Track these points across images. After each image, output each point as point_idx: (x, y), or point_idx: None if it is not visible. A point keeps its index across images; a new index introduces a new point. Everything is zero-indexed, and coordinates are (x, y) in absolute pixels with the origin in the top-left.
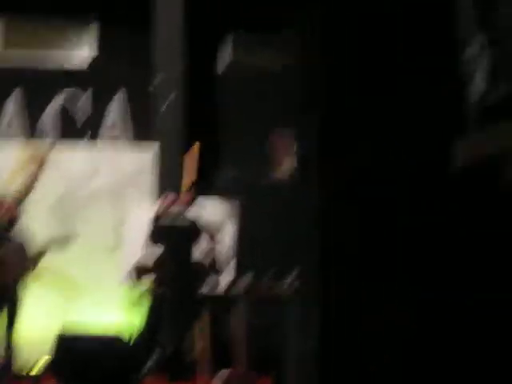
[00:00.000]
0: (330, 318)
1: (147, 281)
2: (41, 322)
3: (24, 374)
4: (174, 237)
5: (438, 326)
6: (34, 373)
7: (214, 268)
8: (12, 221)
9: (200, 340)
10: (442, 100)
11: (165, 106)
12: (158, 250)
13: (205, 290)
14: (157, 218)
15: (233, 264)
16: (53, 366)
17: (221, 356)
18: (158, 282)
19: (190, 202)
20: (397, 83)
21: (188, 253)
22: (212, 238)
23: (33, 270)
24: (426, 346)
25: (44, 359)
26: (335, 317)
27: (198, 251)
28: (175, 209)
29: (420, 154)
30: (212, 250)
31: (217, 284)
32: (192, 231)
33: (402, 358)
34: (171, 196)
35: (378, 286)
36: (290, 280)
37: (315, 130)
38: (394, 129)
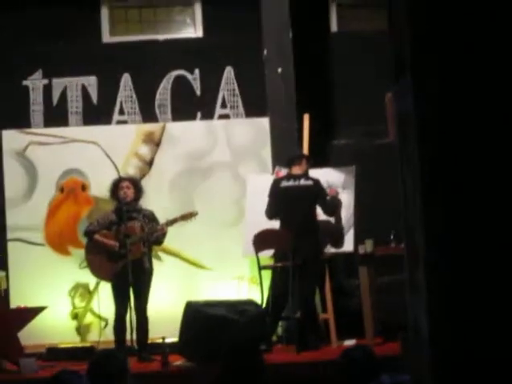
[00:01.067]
0: (438, 286)
1: (269, 253)
2: (167, 299)
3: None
4: (296, 196)
5: None
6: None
7: (338, 229)
8: (135, 199)
9: (327, 308)
10: None
11: (277, 76)
12: (279, 218)
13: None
14: (279, 181)
15: (353, 231)
16: (182, 336)
17: (348, 324)
18: (279, 254)
19: (306, 170)
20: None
21: (310, 212)
22: (335, 199)
23: (158, 245)
24: None
25: (171, 338)
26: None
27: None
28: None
29: None
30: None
31: (341, 244)
32: (315, 190)
33: None
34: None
35: (494, 256)
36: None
37: (409, 93)
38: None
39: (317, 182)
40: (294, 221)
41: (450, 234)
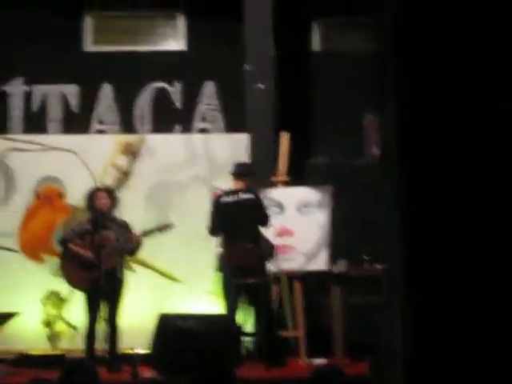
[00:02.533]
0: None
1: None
2: (138, 310)
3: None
4: (237, 210)
5: None
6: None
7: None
8: (111, 209)
9: (296, 324)
10: None
11: (257, 92)
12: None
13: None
14: (219, 198)
15: (326, 250)
16: (153, 347)
17: (317, 341)
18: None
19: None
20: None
21: (253, 225)
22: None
23: (132, 256)
24: None
25: (141, 349)
26: (423, 306)
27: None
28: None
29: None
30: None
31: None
32: (254, 202)
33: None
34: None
35: (469, 275)
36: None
37: (395, 117)
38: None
39: (256, 195)
40: (237, 236)
41: (430, 257)
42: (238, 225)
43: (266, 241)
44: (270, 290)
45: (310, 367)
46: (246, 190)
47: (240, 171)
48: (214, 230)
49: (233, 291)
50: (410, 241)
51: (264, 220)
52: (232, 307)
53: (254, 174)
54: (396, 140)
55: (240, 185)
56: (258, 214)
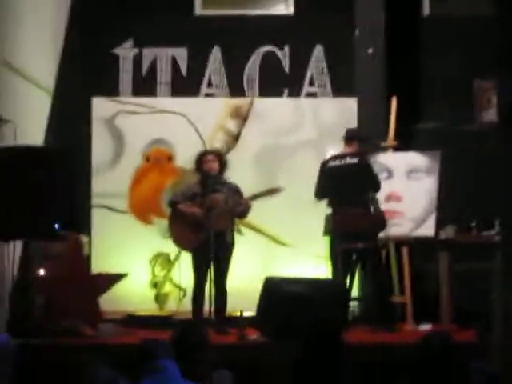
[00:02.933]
0: None
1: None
2: (246, 273)
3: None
4: (342, 175)
5: None
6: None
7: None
8: (219, 172)
9: (403, 290)
10: None
11: (366, 57)
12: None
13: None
14: (327, 161)
15: (434, 216)
16: (260, 310)
17: (424, 307)
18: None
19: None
20: None
21: (359, 190)
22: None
23: (241, 219)
24: None
25: (249, 312)
26: None
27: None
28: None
29: None
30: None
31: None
32: (359, 167)
33: None
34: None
35: None
36: (493, 231)
37: None
38: None
39: (362, 159)
40: (344, 200)
41: None
42: (344, 189)
43: (377, 207)
44: (379, 256)
45: (416, 333)
46: (354, 155)
47: (351, 135)
48: (318, 194)
49: (340, 256)
50: None
51: (373, 185)
52: (339, 271)
53: (367, 139)
54: None
55: (350, 149)
56: (366, 178)
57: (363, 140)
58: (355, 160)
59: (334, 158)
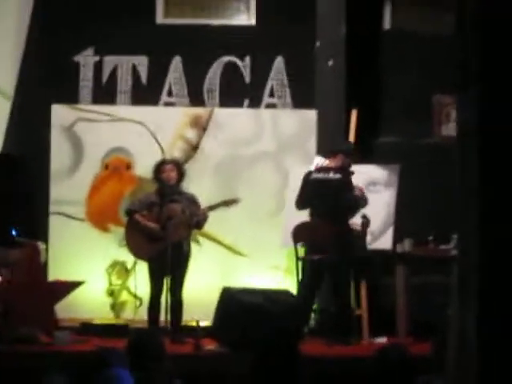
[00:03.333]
0: (490, 292)
1: (305, 245)
2: (202, 283)
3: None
4: (324, 188)
5: None
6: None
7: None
8: (178, 182)
9: (360, 304)
10: None
11: (327, 69)
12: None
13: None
14: (310, 173)
15: (392, 229)
16: (217, 320)
17: (380, 321)
18: (312, 247)
19: (345, 165)
20: None
21: (339, 205)
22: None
23: (198, 229)
24: None
25: (204, 322)
26: (495, 290)
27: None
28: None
29: None
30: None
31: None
32: (340, 183)
33: None
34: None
35: None
36: (450, 245)
37: (475, 103)
38: None
39: (346, 176)
40: (323, 214)
41: (506, 241)
42: (324, 202)
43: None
44: (344, 269)
45: (372, 346)
46: (338, 170)
47: (337, 149)
48: (300, 204)
49: (305, 268)
50: (487, 225)
51: (350, 203)
52: (305, 283)
53: (352, 153)
54: (477, 123)
55: (334, 162)
56: (345, 195)
57: (349, 154)
58: (338, 176)
59: (318, 170)
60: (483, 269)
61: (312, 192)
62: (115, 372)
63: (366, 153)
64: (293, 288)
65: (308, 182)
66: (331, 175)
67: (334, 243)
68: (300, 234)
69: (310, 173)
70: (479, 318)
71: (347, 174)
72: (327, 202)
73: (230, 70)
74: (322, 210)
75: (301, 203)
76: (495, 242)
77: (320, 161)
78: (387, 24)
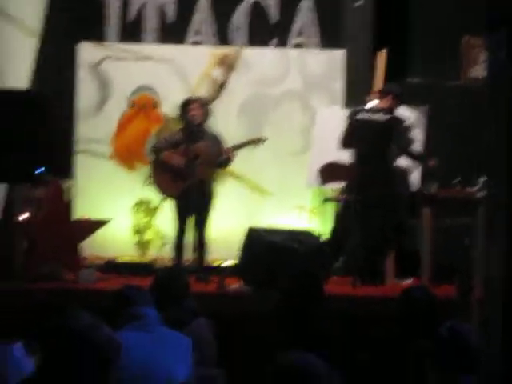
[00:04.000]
0: None
1: (335, 185)
2: (227, 222)
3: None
4: (369, 130)
5: None
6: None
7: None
8: (203, 120)
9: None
10: None
11: (355, 8)
12: (351, 151)
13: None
14: (356, 111)
15: (418, 171)
16: (242, 259)
17: (405, 263)
18: (348, 188)
19: (392, 107)
20: None
21: (382, 147)
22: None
23: (223, 168)
24: None
25: (229, 261)
26: None
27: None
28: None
29: None
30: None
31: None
32: (389, 125)
33: None
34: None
35: None
36: (477, 187)
37: (504, 45)
38: None
39: (394, 118)
40: (366, 155)
41: None
42: (370, 143)
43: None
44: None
45: (397, 287)
46: (385, 111)
47: (388, 90)
48: (345, 143)
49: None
50: None
51: (401, 144)
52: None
53: (402, 95)
54: (506, 66)
55: (383, 104)
56: (394, 137)
57: (399, 96)
58: (388, 116)
59: (367, 110)
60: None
61: (358, 132)
62: (142, 310)
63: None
64: (318, 228)
65: (354, 121)
66: (377, 116)
67: (372, 183)
68: (327, 174)
69: (356, 111)
70: (507, 256)
71: (395, 116)
72: (373, 142)
73: (258, 10)
74: (365, 150)
75: (346, 143)
76: None
77: (373, 102)
78: None
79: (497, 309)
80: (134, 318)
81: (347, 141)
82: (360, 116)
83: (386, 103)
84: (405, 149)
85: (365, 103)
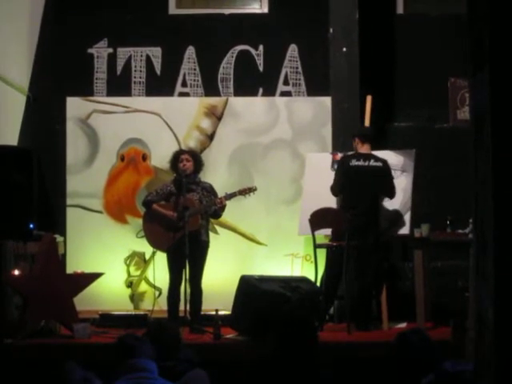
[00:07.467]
0: (507, 274)
1: (326, 232)
2: (221, 272)
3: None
4: (366, 176)
5: None
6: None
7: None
8: (194, 171)
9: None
10: None
11: (341, 55)
12: (341, 197)
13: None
14: (348, 159)
15: (409, 214)
16: (235, 308)
17: (399, 306)
18: (337, 234)
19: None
20: None
21: (376, 193)
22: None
23: (215, 219)
24: None
25: (224, 311)
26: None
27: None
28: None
29: None
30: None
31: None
32: (383, 172)
33: None
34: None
35: None
36: (467, 230)
37: (487, 86)
38: None
39: (385, 164)
40: (359, 201)
41: None
42: (363, 190)
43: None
44: (369, 255)
45: (392, 331)
46: (374, 157)
47: (369, 135)
48: (336, 190)
49: (328, 255)
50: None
51: (391, 192)
52: (324, 271)
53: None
54: (490, 108)
55: (364, 149)
56: (385, 184)
57: (362, 138)
58: (380, 164)
59: (358, 157)
60: (498, 252)
61: (353, 179)
62: (141, 362)
63: (381, 138)
64: (311, 275)
65: (347, 168)
66: (372, 163)
67: (364, 229)
68: (317, 221)
69: (346, 158)
70: (496, 300)
71: (387, 163)
72: (368, 190)
73: (244, 59)
74: (359, 196)
75: (338, 190)
76: (510, 225)
77: (337, 153)
78: (400, 8)
79: (490, 349)
80: (133, 370)
81: (339, 188)
82: (354, 163)
83: (365, 149)
84: (392, 194)
85: (354, 149)
